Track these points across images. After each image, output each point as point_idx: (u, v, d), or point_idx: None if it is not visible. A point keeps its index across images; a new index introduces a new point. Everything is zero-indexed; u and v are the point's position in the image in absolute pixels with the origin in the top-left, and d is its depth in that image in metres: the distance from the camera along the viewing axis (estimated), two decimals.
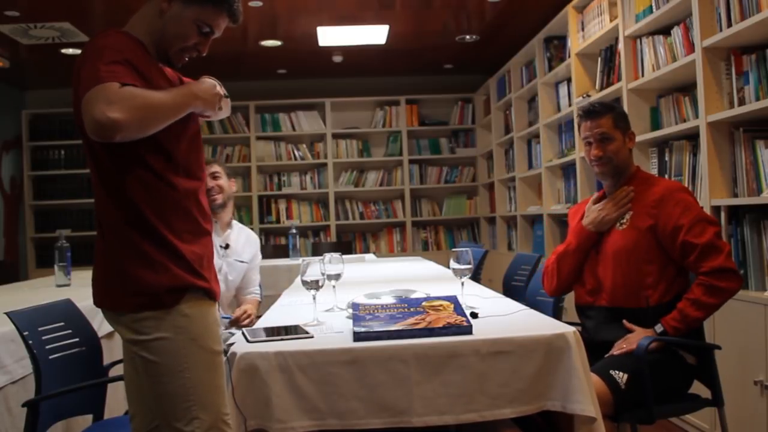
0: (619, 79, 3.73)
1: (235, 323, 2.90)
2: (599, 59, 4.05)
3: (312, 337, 1.78)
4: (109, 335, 2.97)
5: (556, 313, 2.50)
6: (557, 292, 2.45)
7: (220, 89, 1.64)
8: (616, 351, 2.09)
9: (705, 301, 2.05)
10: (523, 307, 2.16)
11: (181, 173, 1.58)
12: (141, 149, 1.51)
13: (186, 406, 1.49)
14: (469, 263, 2.09)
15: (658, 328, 2.08)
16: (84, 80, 1.42)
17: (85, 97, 1.40)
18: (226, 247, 3.01)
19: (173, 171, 1.56)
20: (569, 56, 4.44)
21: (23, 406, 1.82)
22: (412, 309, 1.86)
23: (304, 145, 6.91)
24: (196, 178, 1.63)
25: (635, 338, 2.07)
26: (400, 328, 1.73)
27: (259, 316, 2.81)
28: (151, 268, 1.50)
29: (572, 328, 1.73)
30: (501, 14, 5.06)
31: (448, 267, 2.27)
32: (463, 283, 2.15)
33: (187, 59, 1.66)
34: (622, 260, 2.19)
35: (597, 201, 2.37)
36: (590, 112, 2.31)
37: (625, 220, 2.22)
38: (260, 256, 3.27)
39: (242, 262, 3.09)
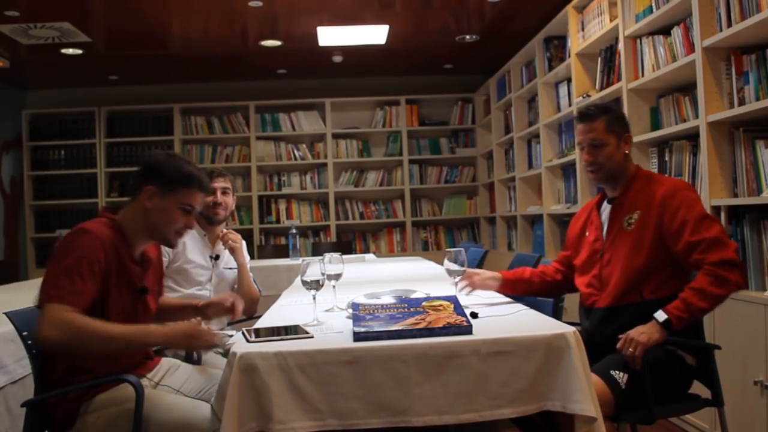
0: (619, 79, 3.73)
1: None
2: (599, 59, 4.05)
3: (312, 337, 1.78)
4: None
5: (556, 313, 2.49)
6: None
7: (208, 331, 1.83)
8: (619, 346, 2.02)
9: (711, 291, 1.97)
10: (523, 307, 2.16)
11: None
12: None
13: None
14: (464, 264, 2.11)
15: (660, 316, 1.99)
16: (47, 278, 1.72)
17: (40, 307, 1.70)
18: (216, 258, 3.02)
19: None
20: (569, 56, 4.44)
21: (23, 406, 1.82)
22: (412, 309, 1.86)
23: (304, 145, 6.91)
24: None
25: (634, 333, 2.00)
26: (400, 328, 1.73)
27: (258, 316, 2.81)
28: None
29: (572, 328, 1.73)
30: (501, 14, 5.06)
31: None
32: (456, 283, 2.17)
33: (180, 236, 1.96)
34: (629, 260, 2.16)
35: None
36: (584, 116, 2.26)
37: (633, 220, 2.19)
38: (248, 256, 3.27)
39: (231, 269, 3.10)
